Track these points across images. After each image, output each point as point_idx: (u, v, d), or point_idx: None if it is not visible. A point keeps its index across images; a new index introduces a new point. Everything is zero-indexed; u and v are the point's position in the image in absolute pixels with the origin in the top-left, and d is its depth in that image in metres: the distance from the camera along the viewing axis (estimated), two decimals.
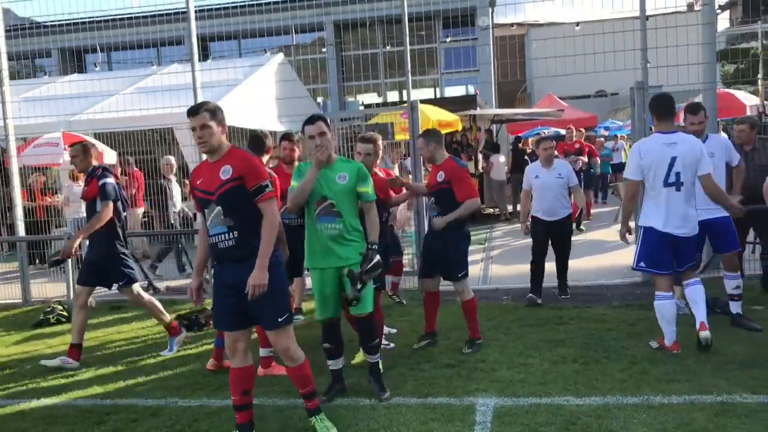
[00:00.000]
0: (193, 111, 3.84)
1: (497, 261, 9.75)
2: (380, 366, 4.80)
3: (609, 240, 10.44)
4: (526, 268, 8.67)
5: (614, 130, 21.32)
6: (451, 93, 23.98)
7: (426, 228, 7.54)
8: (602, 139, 18.78)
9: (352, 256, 4.49)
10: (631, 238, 5.57)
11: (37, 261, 11.07)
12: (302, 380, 4.09)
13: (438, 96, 24.04)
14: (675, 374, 4.74)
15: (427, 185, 5.84)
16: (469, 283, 5.71)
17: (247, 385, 4.00)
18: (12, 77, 21.33)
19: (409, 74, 7.94)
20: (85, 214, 6.49)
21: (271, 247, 3.77)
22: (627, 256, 7.26)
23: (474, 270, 8.91)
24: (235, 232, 3.79)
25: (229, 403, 4.70)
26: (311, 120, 4.55)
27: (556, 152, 7.58)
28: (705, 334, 5.06)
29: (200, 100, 8.78)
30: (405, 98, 8.25)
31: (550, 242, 7.33)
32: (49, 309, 7.70)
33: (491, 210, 15.07)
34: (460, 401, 4.52)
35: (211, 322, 7.08)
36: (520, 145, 14.90)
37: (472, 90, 23.53)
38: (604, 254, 9.67)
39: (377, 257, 4.51)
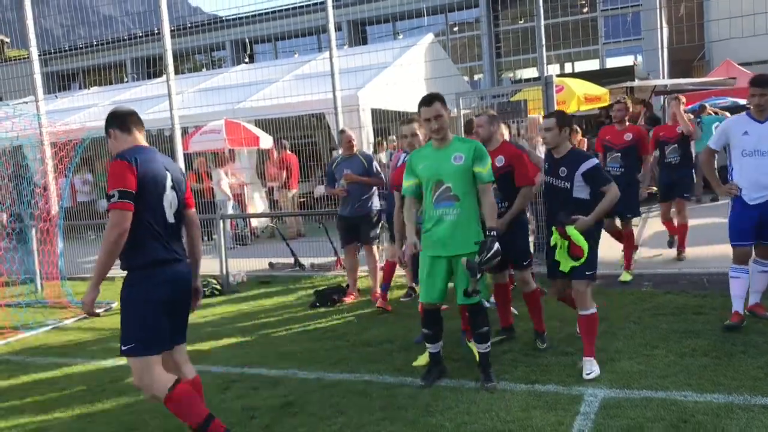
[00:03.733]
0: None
1: (647, 244, 9.12)
2: (489, 355, 4.63)
3: None
4: (674, 252, 8.09)
5: None
6: (615, 64, 22.61)
7: None
8: None
9: (469, 244, 4.35)
10: None
11: (205, 238, 12.19)
12: (180, 410, 3.56)
13: (600, 68, 22.78)
14: None
15: None
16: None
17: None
18: (197, 70, 23.56)
19: (543, 48, 7.64)
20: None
21: (101, 265, 3.41)
22: None
23: (618, 254, 8.48)
24: None
25: (343, 377, 4.97)
26: (428, 101, 4.46)
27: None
28: None
29: (338, 85, 9.11)
30: (560, 71, 7.96)
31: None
32: (205, 283, 8.48)
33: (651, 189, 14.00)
34: (568, 390, 4.35)
35: (344, 298, 7.43)
36: None
37: (639, 60, 22.05)
38: None
39: (496, 245, 4.28)
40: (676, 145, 7.89)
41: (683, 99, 8.06)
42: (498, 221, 4.78)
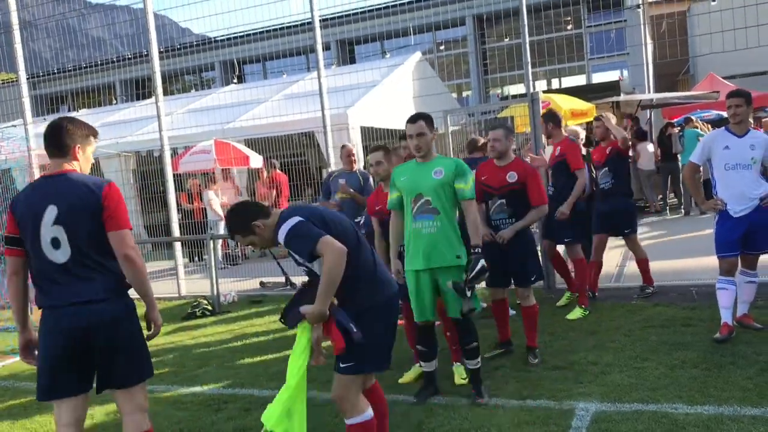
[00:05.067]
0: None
1: None
2: (480, 371, 4.66)
3: None
4: (667, 264, 8.15)
5: None
6: (601, 79, 22.83)
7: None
8: None
9: (449, 258, 4.40)
10: None
11: (196, 258, 12.16)
12: None
13: (587, 83, 23.00)
14: None
15: (491, 185, 5.41)
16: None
17: None
18: (186, 91, 23.62)
19: (529, 65, 7.74)
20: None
21: (13, 312, 3.34)
22: None
23: (610, 266, 8.54)
24: None
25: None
26: (414, 119, 4.53)
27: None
28: None
29: (327, 104, 9.19)
30: (547, 87, 8.04)
31: None
32: (195, 303, 8.46)
33: (639, 202, 14.12)
34: (560, 405, 4.36)
35: None
36: (668, 131, 13.81)
37: (625, 74, 22.28)
38: None
39: (481, 262, 4.32)
40: (606, 169, 6.79)
41: (610, 115, 7.18)
42: (503, 233, 5.23)
